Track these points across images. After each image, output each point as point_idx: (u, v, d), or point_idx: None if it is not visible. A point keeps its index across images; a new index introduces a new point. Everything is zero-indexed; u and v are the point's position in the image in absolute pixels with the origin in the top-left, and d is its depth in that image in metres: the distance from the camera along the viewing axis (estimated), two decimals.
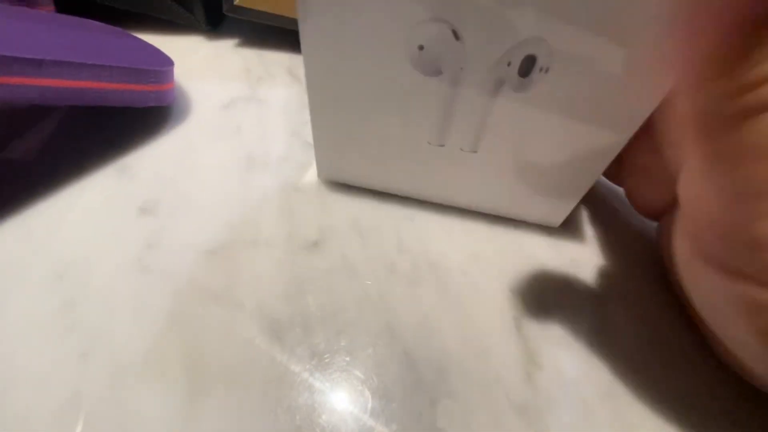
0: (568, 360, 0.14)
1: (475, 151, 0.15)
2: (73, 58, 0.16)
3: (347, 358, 0.14)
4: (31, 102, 0.15)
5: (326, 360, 0.14)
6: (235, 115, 0.22)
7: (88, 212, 0.17)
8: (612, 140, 0.14)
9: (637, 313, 0.16)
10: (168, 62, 0.20)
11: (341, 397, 0.13)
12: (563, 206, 0.17)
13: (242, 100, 0.22)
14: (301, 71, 0.25)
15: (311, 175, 0.19)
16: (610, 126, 0.14)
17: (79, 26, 0.21)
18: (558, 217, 0.18)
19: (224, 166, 0.19)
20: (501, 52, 0.13)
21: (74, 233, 0.17)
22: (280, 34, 0.25)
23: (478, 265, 0.17)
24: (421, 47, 0.13)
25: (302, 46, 0.14)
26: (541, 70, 0.13)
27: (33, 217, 0.17)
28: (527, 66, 0.13)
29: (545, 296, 0.16)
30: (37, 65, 0.15)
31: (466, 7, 0.12)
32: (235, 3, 0.24)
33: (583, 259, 0.17)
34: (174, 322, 0.15)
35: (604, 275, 0.17)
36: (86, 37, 0.19)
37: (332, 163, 0.17)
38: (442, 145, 0.15)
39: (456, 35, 0.12)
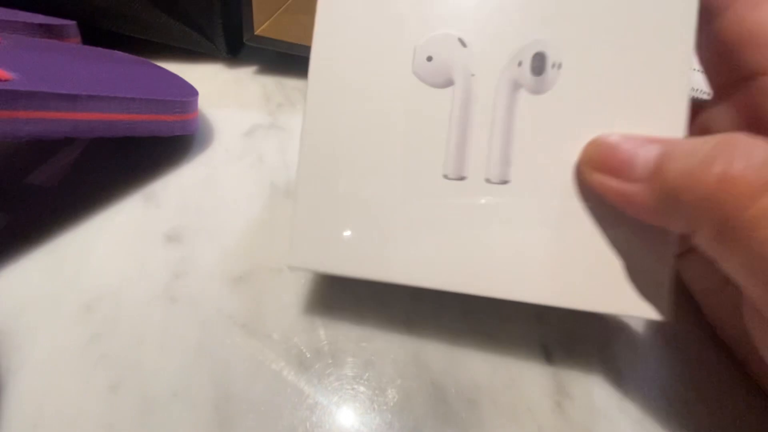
0: (598, 389, 0.14)
1: (506, 181, 0.13)
2: (105, 92, 0.16)
3: (376, 390, 0.14)
4: (64, 135, 0.15)
5: (354, 391, 0.14)
6: (256, 142, 0.22)
7: (116, 241, 0.18)
8: (666, 124, 0.12)
9: (669, 344, 0.16)
10: (193, 92, 0.20)
11: (370, 429, 0.13)
12: (657, 264, 0.12)
13: (263, 127, 0.23)
14: None
15: None
16: (655, 110, 0.12)
17: (107, 58, 0.21)
18: (659, 296, 0.12)
19: (247, 193, 0.20)
20: (509, 54, 0.13)
21: (103, 263, 0.17)
22: (298, 61, 0.26)
23: None
24: (429, 58, 0.13)
25: (310, 74, 0.13)
26: (553, 66, 0.12)
27: (62, 247, 0.17)
28: (539, 64, 0.12)
29: (574, 325, 0.16)
30: (72, 100, 0.15)
31: (467, 16, 0.13)
32: (255, 32, 0.24)
33: None
34: (202, 353, 0.15)
35: None
36: (115, 70, 0.20)
37: (319, 237, 0.13)
38: (463, 178, 0.13)
39: (462, 42, 0.13)
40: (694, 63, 0.12)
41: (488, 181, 0.13)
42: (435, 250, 0.13)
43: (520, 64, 0.13)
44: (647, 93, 0.12)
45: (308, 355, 0.15)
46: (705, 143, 0.10)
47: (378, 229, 0.13)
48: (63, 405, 0.13)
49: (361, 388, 0.14)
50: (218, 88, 0.25)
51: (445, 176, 0.13)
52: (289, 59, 0.26)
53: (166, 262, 0.17)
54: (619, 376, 0.15)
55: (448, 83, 0.13)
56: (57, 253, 0.17)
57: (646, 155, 0.10)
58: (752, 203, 0.08)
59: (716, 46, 0.12)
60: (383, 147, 0.13)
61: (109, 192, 0.19)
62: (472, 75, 0.13)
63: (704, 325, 0.16)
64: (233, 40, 0.26)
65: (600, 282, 0.12)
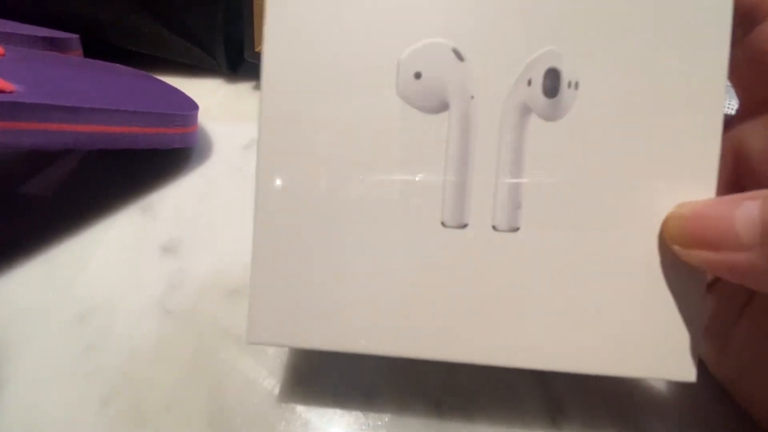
0: (590, 403, 0.14)
1: (517, 228, 0.10)
2: (106, 105, 0.17)
3: (370, 402, 0.14)
4: (65, 147, 0.16)
5: (348, 404, 0.14)
6: (254, 155, 0.22)
7: (111, 251, 0.18)
8: (700, 153, 0.10)
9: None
10: (193, 106, 0.21)
11: None
12: (686, 322, 0.11)
13: None
14: None
15: None
16: (690, 137, 0.10)
17: (109, 71, 0.21)
18: (686, 356, 0.11)
19: (244, 206, 0.20)
20: (517, 71, 0.10)
21: (98, 274, 0.17)
22: None
23: None
24: (417, 75, 0.10)
25: (262, 95, 0.10)
26: (569, 85, 0.10)
27: (57, 257, 0.17)
28: (552, 83, 0.10)
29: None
30: (74, 112, 0.15)
31: (463, 19, 0.10)
32: (256, 49, 0.25)
33: None
34: (196, 366, 0.14)
35: None
36: (117, 83, 0.20)
37: (282, 308, 0.11)
38: (464, 225, 0.10)
39: (458, 55, 0.10)
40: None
41: (495, 228, 0.11)
42: (430, 314, 0.11)
43: (529, 83, 0.10)
44: (679, 114, 0.10)
45: (302, 367, 0.15)
46: None
47: (361, 293, 0.11)
48: (55, 417, 0.13)
49: (356, 402, 0.14)
50: (218, 103, 0.26)
51: (443, 224, 0.10)
52: None
53: (162, 273, 0.17)
54: (611, 390, 0.15)
55: (443, 107, 0.10)
56: (52, 263, 0.17)
57: (746, 217, 0.09)
58: None
59: (753, 58, 0.11)
60: (364, 192, 0.11)
61: (106, 203, 0.19)
62: (472, 97, 0.10)
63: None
64: (234, 56, 0.27)
65: (621, 344, 0.11)
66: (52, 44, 0.22)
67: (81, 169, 0.21)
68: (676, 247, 0.10)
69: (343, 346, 0.11)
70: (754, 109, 0.12)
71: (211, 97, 0.26)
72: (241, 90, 0.27)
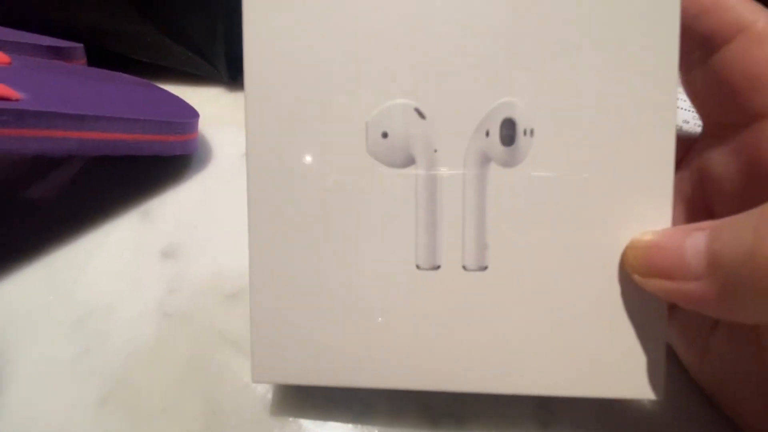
0: (579, 407, 0.15)
1: (485, 267, 0.11)
2: (110, 113, 0.17)
3: (364, 407, 0.14)
4: (69, 153, 0.16)
5: (342, 408, 0.14)
6: None
7: (111, 256, 0.18)
8: (653, 187, 0.11)
9: None
10: (194, 114, 0.21)
11: None
12: (649, 342, 0.11)
13: None
14: None
15: None
16: (643, 170, 0.11)
17: (112, 80, 0.22)
18: (653, 375, 0.11)
19: (243, 212, 0.20)
20: (474, 123, 0.11)
21: (98, 277, 0.17)
22: None
23: None
24: (384, 134, 0.11)
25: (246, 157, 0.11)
26: (525, 133, 0.11)
27: (57, 261, 0.18)
28: (508, 132, 0.11)
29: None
30: (78, 120, 0.16)
31: (422, 80, 0.11)
32: None
33: None
34: (193, 369, 0.15)
35: None
36: (120, 91, 0.21)
37: (283, 348, 0.12)
38: (437, 267, 0.11)
39: (420, 114, 0.11)
40: (680, 98, 0.12)
41: (465, 268, 0.12)
42: (413, 349, 0.12)
43: (487, 133, 0.11)
44: (630, 155, 0.11)
45: None
46: (749, 219, 0.09)
47: (347, 331, 0.12)
48: (52, 418, 0.13)
49: (350, 406, 0.14)
50: (218, 111, 0.26)
51: (418, 266, 0.11)
52: None
53: (161, 277, 0.17)
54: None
55: (410, 161, 0.11)
56: (52, 266, 0.17)
57: (694, 249, 0.09)
58: None
59: (715, 82, 0.11)
60: (344, 242, 0.11)
61: (106, 208, 0.20)
62: (435, 151, 0.11)
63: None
64: (234, 66, 0.27)
65: (589, 366, 0.12)
66: (56, 53, 0.23)
67: (82, 174, 0.22)
68: (635, 276, 0.11)
69: (335, 382, 0.12)
70: (717, 133, 0.12)
71: (211, 105, 0.26)
72: (241, 98, 0.27)
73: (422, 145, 0.11)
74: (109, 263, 0.18)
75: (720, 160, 0.12)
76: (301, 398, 0.14)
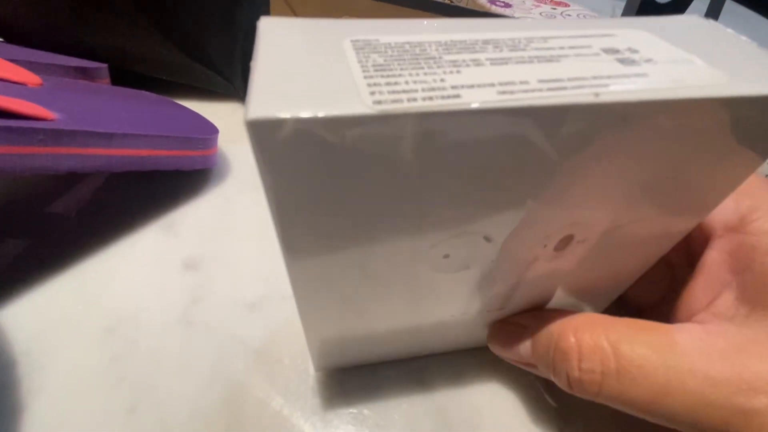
0: (596, 414, 0.15)
1: (503, 308, 0.14)
2: (136, 130, 0.18)
3: (383, 414, 0.15)
4: (99, 170, 0.17)
5: (363, 416, 0.14)
6: None
7: (136, 267, 0.19)
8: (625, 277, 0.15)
9: None
10: (214, 130, 0.22)
11: None
12: None
13: None
14: None
15: None
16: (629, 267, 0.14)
17: (137, 98, 0.23)
18: None
19: (261, 223, 0.21)
20: (536, 242, 0.11)
21: (123, 289, 0.18)
22: None
23: None
24: (446, 256, 0.11)
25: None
26: (578, 242, 0.12)
27: (84, 272, 0.18)
28: (563, 243, 0.12)
29: None
30: (108, 138, 0.17)
31: (496, 218, 0.10)
32: None
33: None
34: (217, 378, 0.15)
35: None
36: (144, 109, 0.22)
37: (333, 353, 0.14)
38: (466, 314, 0.14)
39: (488, 239, 0.11)
40: None
41: (488, 311, 0.14)
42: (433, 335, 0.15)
43: (545, 246, 0.12)
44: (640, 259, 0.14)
45: (318, 380, 0.15)
46: (549, 346, 0.13)
47: (370, 327, 0.13)
48: (82, 426, 0.14)
49: (369, 413, 0.15)
50: (235, 125, 0.27)
51: (452, 316, 0.14)
52: None
53: (184, 288, 0.18)
54: None
55: (465, 269, 0.12)
56: (79, 278, 0.18)
57: (525, 349, 0.14)
58: (596, 392, 0.12)
59: None
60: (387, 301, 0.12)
61: (130, 221, 0.20)
62: (492, 261, 0.12)
63: None
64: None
65: None
66: (83, 73, 0.24)
67: (106, 188, 0.23)
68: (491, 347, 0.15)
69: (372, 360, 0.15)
70: None
71: (228, 120, 0.27)
72: None
73: (481, 260, 0.11)
74: (134, 274, 0.18)
75: None
76: (321, 407, 0.15)
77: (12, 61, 0.20)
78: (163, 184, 0.22)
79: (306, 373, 0.15)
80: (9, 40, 0.25)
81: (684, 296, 0.14)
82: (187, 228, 0.20)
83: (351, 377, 0.15)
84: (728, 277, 0.12)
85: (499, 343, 0.15)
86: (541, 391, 0.15)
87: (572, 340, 0.12)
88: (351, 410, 0.15)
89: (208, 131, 0.22)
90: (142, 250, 0.19)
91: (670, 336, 0.11)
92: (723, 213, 0.13)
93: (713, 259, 0.13)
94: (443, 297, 0.13)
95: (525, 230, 0.11)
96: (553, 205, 0.10)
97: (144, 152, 0.18)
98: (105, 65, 0.25)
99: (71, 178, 0.23)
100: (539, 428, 0.15)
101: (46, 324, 0.16)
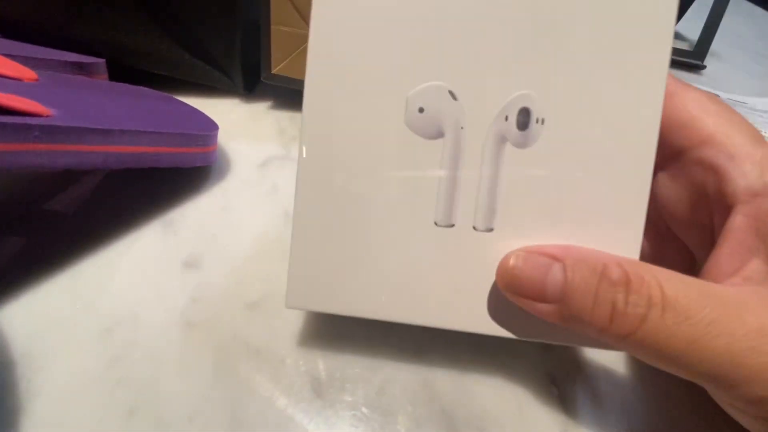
0: (603, 418, 0.15)
1: (491, 229, 0.14)
2: (134, 127, 0.18)
3: (387, 417, 0.14)
4: (96, 167, 0.16)
5: (367, 418, 0.14)
6: (270, 173, 0.23)
7: (135, 266, 0.18)
8: (634, 186, 0.13)
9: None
10: (213, 126, 0.22)
11: None
12: None
13: (277, 159, 0.24)
14: None
15: None
16: (626, 171, 0.13)
17: (135, 94, 0.23)
18: None
19: (262, 221, 0.21)
20: (497, 109, 0.13)
21: (122, 288, 0.18)
22: None
23: None
24: (421, 109, 0.13)
25: (304, 117, 0.14)
26: (537, 121, 0.13)
27: (83, 271, 0.18)
28: (524, 119, 0.13)
29: (579, 352, 0.16)
30: (105, 134, 0.16)
31: (457, 68, 0.13)
32: (272, 71, 0.26)
33: None
34: (217, 378, 0.15)
35: None
36: (143, 105, 0.21)
37: (315, 279, 0.14)
38: (452, 225, 0.14)
39: (453, 95, 0.13)
40: None
41: (475, 228, 0.14)
42: (426, 291, 0.14)
43: (506, 118, 0.13)
44: (617, 154, 0.13)
45: (321, 381, 0.15)
46: (593, 275, 0.12)
47: (372, 271, 0.14)
48: (81, 428, 0.14)
49: (373, 415, 0.14)
50: (235, 122, 0.26)
51: (436, 223, 0.14)
52: (302, 95, 0.27)
53: (184, 287, 0.18)
54: (625, 405, 0.15)
55: (439, 135, 0.13)
56: (78, 277, 0.18)
57: (553, 282, 0.12)
58: (634, 330, 0.11)
59: None
60: (377, 195, 0.14)
61: (128, 219, 0.20)
62: (462, 128, 0.13)
63: None
64: (250, 78, 0.28)
65: None
66: (79, 68, 0.23)
67: (104, 186, 0.22)
68: (504, 293, 0.13)
69: (356, 313, 0.14)
70: (659, 165, 0.14)
71: (227, 116, 0.27)
72: (257, 110, 0.28)
73: (452, 122, 0.13)
74: (133, 273, 0.18)
75: (665, 187, 0.15)
76: (324, 408, 0.14)
77: (7, 55, 0.19)
78: (162, 182, 0.22)
79: (309, 373, 0.15)
80: (4, 34, 0.25)
81: (711, 264, 0.13)
82: (187, 226, 0.20)
83: (353, 377, 0.15)
84: (756, 243, 0.12)
85: (517, 275, 0.13)
86: (548, 391, 0.15)
87: (619, 270, 0.11)
88: (354, 411, 0.14)
89: (207, 128, 0.21)
90: (141, 248, 0.19)
91: (715, 286, 0.11)
92: (746, 179, 0.13)
93: (739, 225, 0.13)
94: (425, 178, 0.13)
95: (483, 89, 0.13)
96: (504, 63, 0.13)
97: (142, 149, 0.18)
98: (102, 60, 0.25)
99: (68, 176, 0.22)
100: (545, 430, 0.14)
101: (44, 324, 0.16)
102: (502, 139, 0.13)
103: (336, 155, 0.14)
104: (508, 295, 0.13)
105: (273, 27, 0.25)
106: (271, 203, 0.21)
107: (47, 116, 0.15)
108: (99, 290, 0.17)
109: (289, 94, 0.28)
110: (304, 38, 0.25)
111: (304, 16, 0.24)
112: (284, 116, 0.27)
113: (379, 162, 0.14)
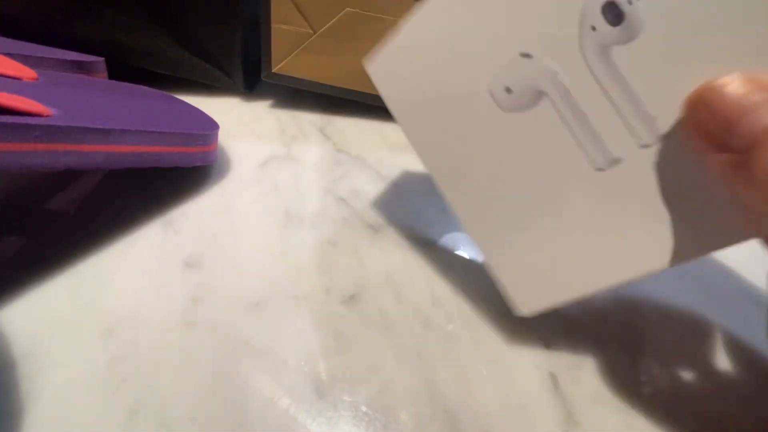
0: (605, 416, 0.15)
1: (661, 133, 0.11)
2: (135, 126, 0.17)
3: (389, 417, 0.14)
4: (97, 167, 0.16)
5: (369, 418, 0.14)
6: (271, 172, 0.23)
7: (135, 266, 0.18)
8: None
9: (674, 366, 0.16)
10: (214, 125, 0.22)
11: None
12: None
13: (278, 158, 0.24)
14: (331, 129, 0.26)
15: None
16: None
17: (135, 93, 0.22)
18: None
19: (263, 221, 0.20)
20: (576, 28, 0.11)
21: (123, 288, 0.17)
22: (311, 96, 0.27)
23: (512, 320, 0.17)
24: (507, 89, 0.12)
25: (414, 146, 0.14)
26: (630, 2, 0.11)
27: (83, 271, 0.18)
28: (613, 14, 0.11)
29: (580, 351, 0.16)
30: (106, 134, 0.16)
31: (516, 28, 0.12)
32: (273, 70, 0.26)
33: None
34: (219, 378, 0.15)
35: (637, 328, 0.17)
36: (143, 104, 0.21)
37: (525, 273, 0.14)
38: (618, 160, 0.12)
39: (526, 55, 0.12)
40: None
41: (644, 146, 0.11)
42: (631, 237, 0.12)
43: (593, 28, 0.11)
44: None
45: (323, 381, 0.15)
46: None
47: (572, 245, 0.13)
48: (83, 429, 0.14)
49: (375, 415, 0.14)
50: (235, 122, 0.26)
51: (601, 169, 0.12)
52: (302, 94, 0.27)
53: (185, 287, 0.18)
54: (626, 403, 0.15)
55: (540, 96, 0.12)
56: (78, 277, 0.18)
57: (755, 122, 0.09)
58: None
59: None
60: (531, 181, 0.13)
61: (129, 219, 0.20)
62: (556, 72, 0.12)
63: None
64: (250, 77, 0.28)
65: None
66: (80, 67, 0.23)
67: (104, 186, 0.22)
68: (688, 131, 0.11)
69: (589, 287, 0.13)
70: None
71: (228, 116, 0.27)
72: (258, 109, 0.28)
73: (543, 77, 0.12)
74: (134, 273, 0.18)
75: None
76: (326, 409, 0.14)
77: (6, 54, 0.19)
78: (163, 181, 0.22)
79: (311, 373, 0.15)
80: (3, 32, 0.25)
81: None
82: (188, 226, 0.20)
83: (355, 377, 0.15)
84: None
85: (726, 93, 0.10)
86: (549, 391, 0.15)
87: None
88: (357, 412, 0.14)
89: (208, 127, 0.21)
90: (142, 248, 0.19)
91: None
92: None
93: None
94: (559, 139, 0.12)
95: (550, 24, 0.11)
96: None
97: (143, 148, 0.18)
98: (102, 59, 0.24)
99: (69, 175, 0.22)
100: (547, 429, 0.14)
101: (45, 325, 0.16)
102: (604, 50, 0.11)
103: (472, 174, 0.14)
104: (691, 129, 0.10)
105: (273, 25, 0.24)
106: (272, 202, 0.21)
107: (48, 116, 0.15)
108: (99, 290, 0.17)
109: (289, 93, 0.28)
110: (305, 37, 0.25)
111: (305, 15, 0.24)
112: (285, 115, 0.27)
113: (516, 156, 0.13)
